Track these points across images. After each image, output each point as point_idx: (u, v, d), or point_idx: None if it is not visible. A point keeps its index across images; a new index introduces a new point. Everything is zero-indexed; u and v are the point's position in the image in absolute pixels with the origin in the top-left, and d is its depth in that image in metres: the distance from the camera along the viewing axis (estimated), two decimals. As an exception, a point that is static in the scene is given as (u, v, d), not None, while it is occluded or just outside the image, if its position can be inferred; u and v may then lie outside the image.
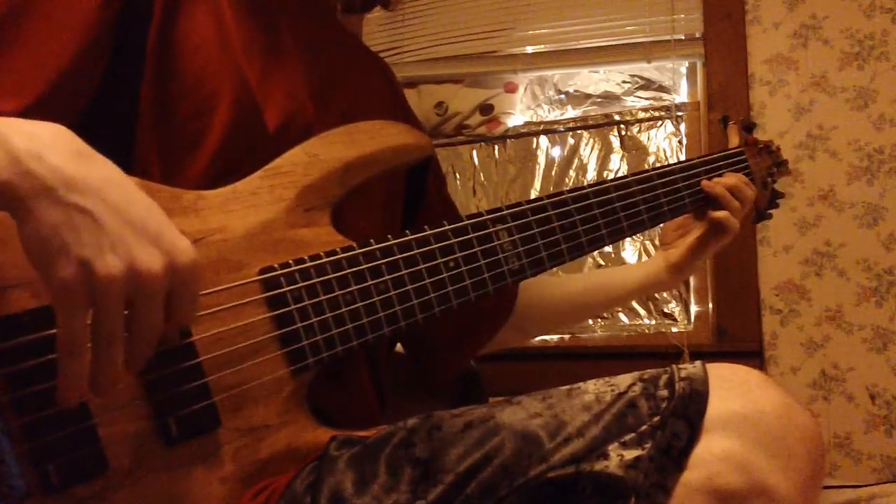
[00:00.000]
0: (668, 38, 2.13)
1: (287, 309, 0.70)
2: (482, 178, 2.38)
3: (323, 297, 0.72)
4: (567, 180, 2.32)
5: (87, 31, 0.71)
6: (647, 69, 2.26)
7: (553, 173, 2.33)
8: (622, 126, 2.30)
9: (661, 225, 1.14)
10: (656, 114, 2.26)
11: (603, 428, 0.61)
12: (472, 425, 0.64)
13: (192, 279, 0.55)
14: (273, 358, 0.69)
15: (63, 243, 0.50)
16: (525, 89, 2.37)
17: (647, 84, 2.29)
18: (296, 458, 0.69)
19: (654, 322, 2.15)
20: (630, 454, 0.60)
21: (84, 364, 0.51)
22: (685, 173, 1.03)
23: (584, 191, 0.92)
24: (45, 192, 0.50)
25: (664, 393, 0.63)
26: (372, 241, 0.76)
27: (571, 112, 2.34)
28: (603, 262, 2.25)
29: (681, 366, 0.65)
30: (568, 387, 0.67)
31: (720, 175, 1.07)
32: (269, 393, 0.69)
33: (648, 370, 0.66)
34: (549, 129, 2.34)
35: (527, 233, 0.86)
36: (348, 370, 0.82)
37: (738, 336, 1.95)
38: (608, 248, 2.23)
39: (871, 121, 1.93)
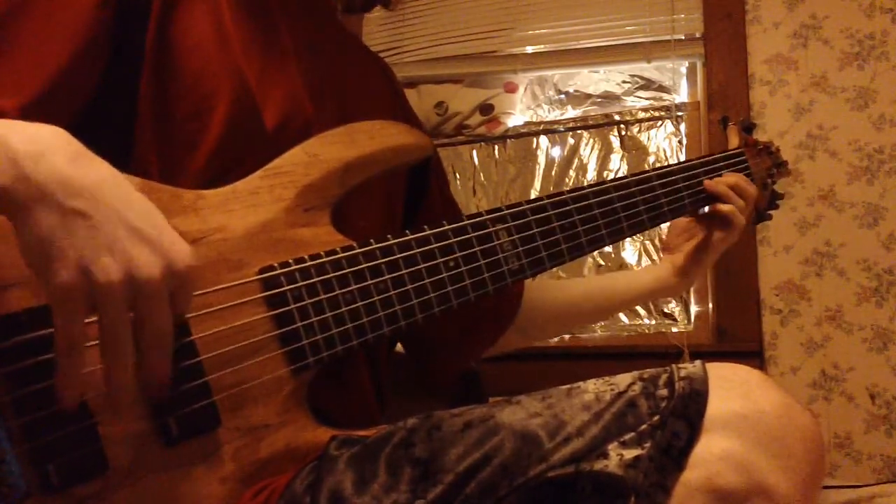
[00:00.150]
0: (668, 38, 2.13)
1: (287, 308, 0.70)
2: (482, 178, 2.38)
3: (323, 297, 0.72)
4: (567, 180, 2.32)
5: (86, 29, 0.71)
6: (647, 69, 2.26)
7: (553, 173, 2.33)
8: (622, 126, 2.30)
9: (666, 229, 1.14)
10: (656, 114, 2.26)
11: (602, 427, 0.61)
12: (472, 425, 0.64)
13: (190, 282, 0.55)
14: (273, 357, 0.69)
15: (61, 247, 0.50)
16: (525, 89, 2.37)
17: (647, 84, 2.29)
18: (295, 458, 0.69)
19: (654, 322, 2.15)
20: (630, 454, 0.60)
21: (82, 366, 0.51)
22: (685, 174, 1.03)
23: (584, 191, 0.92)
24: (42, 195, 0.50)
25: (664, 392, 0.63)
26: (372, 240, 0.76)
27: (571, 112, 2.34)
28: (603, 263, 2.25)
29: (681, 365, 0.65)
30: (568, 386, 0.67)
31: (720, 176, 1.07)
32: (268, 392, 0.69)
33: (648, 370, 0.66)
34: (549, 129, 2.34)
35: (526, 233, 0.86)
36: (348, 370, 0.82)
37: (738, 336, 1.95)
38: (608, 249, 2.23)
39: (871, 121, 1.93)
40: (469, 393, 1.09)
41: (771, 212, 1.19)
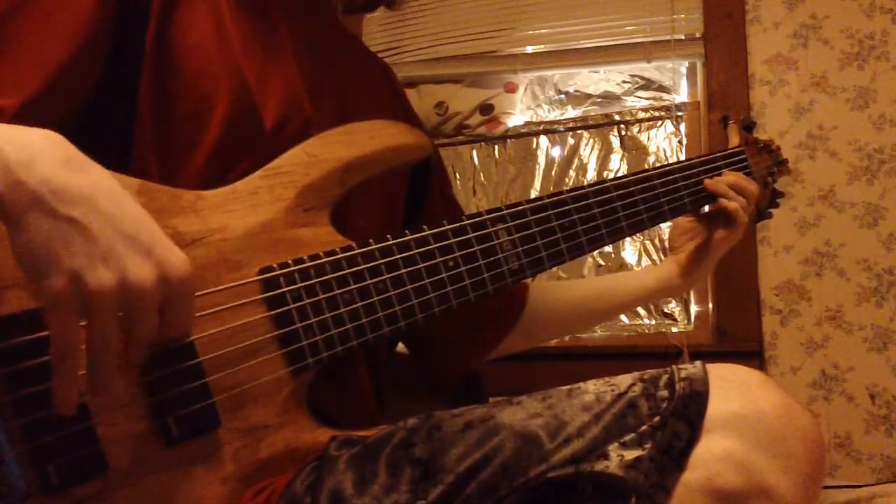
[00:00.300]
0: (668, 38, 2.13)
1: (286, 308, 0.70)
2: (482, 178, 2.38)
3: (322, 297, 0.72)
4: (567, 180, 2.32)
5: (86, 28, 0.71)
6: (647, 69, 2.26)
7: (553, 173, 2.33)
8: (622, 126, 2.30)
9: (669, 231, 1.14)
10: (656, 114, 2.26)
11: (603, 428, 0.61)
12: (472, 425, 0.64)
13: (186, 291, 0.55)
14: (273, 358, 0.69)
15: (54, 255, 0.50)
16: (525, 89, 2.37)
17: (647, 84, 2.29)
18: (295, 459, 0.69)
19: (654, 322, 2.15)
20: (630, 454, 0.60)
21: (77, 369, 0.51)
22: (685, 173, 1.03)
23: (584, 190, 0.92)
24: (35, 203, 0.50)
25: (664, 393, 0.63)
26: (371, 240, 0.76)
27: (571, 112, 2.34)
28: (602, 263, 2.25)
29: (681, 366, 0.65)
30: (568, 387, 0.67)
31: (720, 175, 1.07)
32: (268, 393, 0.69)
33: (648, 370, 0.66)
34: (549, 129, 2.34)
35: (526, 232, 0.86)
36: (348, 370, 0.82)
37: (738, 336, 1.95)
38: (608, 249, 2.23)
39: (871, 121, 1.93)
40: (469, 393, 1.09)
41: (771, 210, 1.19)
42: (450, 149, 2.38)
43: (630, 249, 2.24)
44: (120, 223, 0.52)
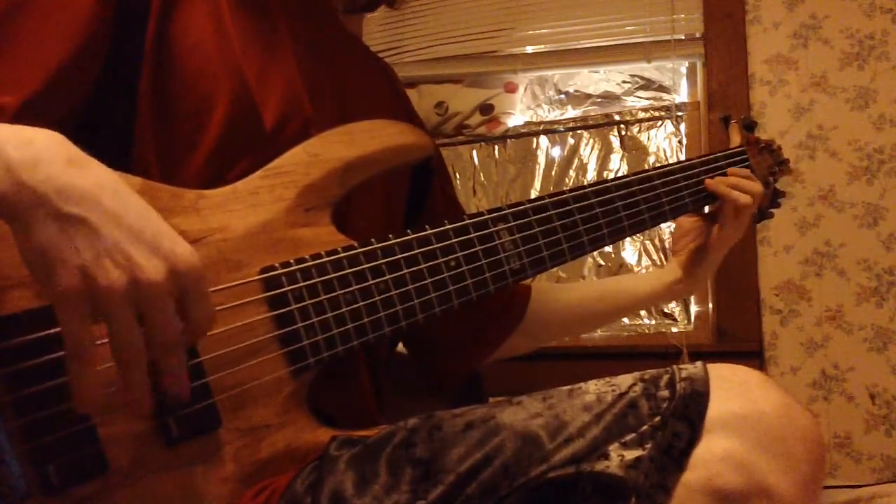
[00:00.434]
0: (668, 38, 2.13)
1: (288, 308, 0.70)
2: (482, 178, 2.38)
3: (324, 297, 0.72)
4: (567, 180, 2.32)
5: (85, 27, 0.71)
6: (647, 69, 2.26)
7: (553, 173, 2.33)
8: (622, 126, 2.30)
9: (672, 233, 1.14)
10: (656, 114, 2.26)
11: (604, 428, 0.61)
12: (473, 425, 0.64)
13: (197, 282, 0.54)
14: (273, 358, 0.69)
15: (61, 254, 0.49)
16: (525, 89, 2.37)
17: (647, 84, 2.29)
18: (296, 459, 0.69)
19: (654, 322, 2.15)
20: (631, 454, 0.60)
21: (94, 370, 0.51)
22: (686, 172, 1.03)
23: (586, 190, 0.92)
24: (39, 203, 0.50)
25: (665, 393, 0.63)
26: (373, 240, 0.76)
27: (571, 112, 2.34)
28: (603, 263, 2.25)
29: (681, 366, 0.65)
30: (569, 387, 0.67)
31: (722, 174, 1.06)
32: (269, 393, 0.69)
33: (649, 370, 0.66)
34: (549, 129, 2.34)
35: (528, 232, 0.86)
36: (348, 370, 0.82)
37: (738, 336, 1.95)
38: (608, 249, 2.23)
39: (871, 121, 1.93)
40: (470, 393, 1.09)
41: (773, 210, 1.19)
42: (450, 149, 2.38)
43: (630, 249, 2.24)
44: (125, 219, 0.52)
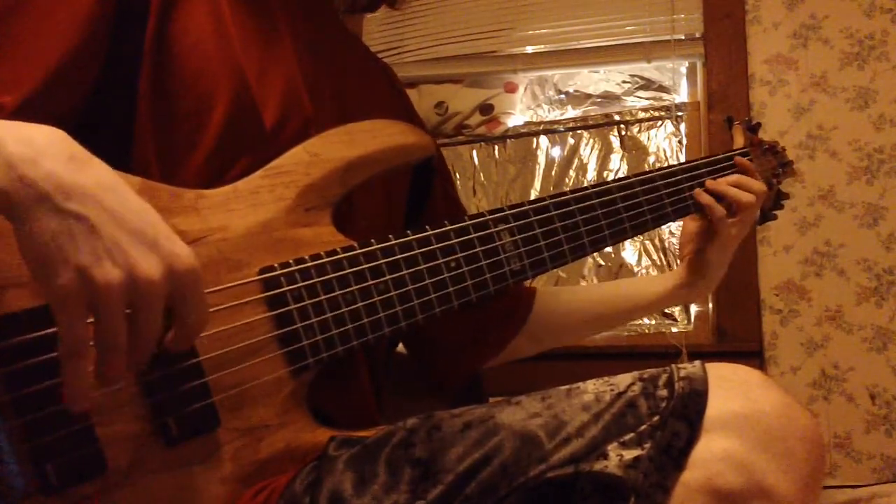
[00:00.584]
0: (668, 38, 2.13)
1: (287, 308, 0.70)
2: (482, 178, 2.38)
3: (323, 297, 0.72)
4: (567, 180, 2.32)
5: (85, 25, 0.71)
6: (647, 69, 2.26)
7: (553, 173, 2.33)
8: (622, 126, 2.30)
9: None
10: (656, 114, 2.26)
11: (602, 428, 0.61)
12: (472, 425, 0.64)
13: (193, 284, 0.55)
14: (273, 358, 0.69)
15: (60, 251, 0.50)
16: (525, 89, 2.37)
17: (647, 84, 2.29)
18: (295, 459, 0.69)
19: (653, 322, 2.15)
20: (629, 454, 0.60)
21: (87, 366, 0.51)
22: (689, 174, 1.03)
23: (587, 191, 0.92)
24: (40, 199, 0.50)
25: (664, 393, 0.63)
26: (373, 240, 0.76)
27: (571, 112, 2.34)
28: (603, 263, 2.25)
29: (680, 366, 0.65)
30: (567, 387, 0.67)
31: (725, 175, 1.06)
32: (268, 393, 0.69)
33: (648, 370, 0.66)
34: (549, 129, 2.34)
35: (529, 233, 0.86)
36: (348, 370, 0.82)
37: (738, 336, 1.95)
38: (608, 249, 2.23)
39: (871, 121, 1.93)
40: (469, 393, 1.09)
41: (776, 212, 1.19)
42: (450, 149, 2.38)
43: (630, 250, 2.24)
44: (124, 218, 0.53)
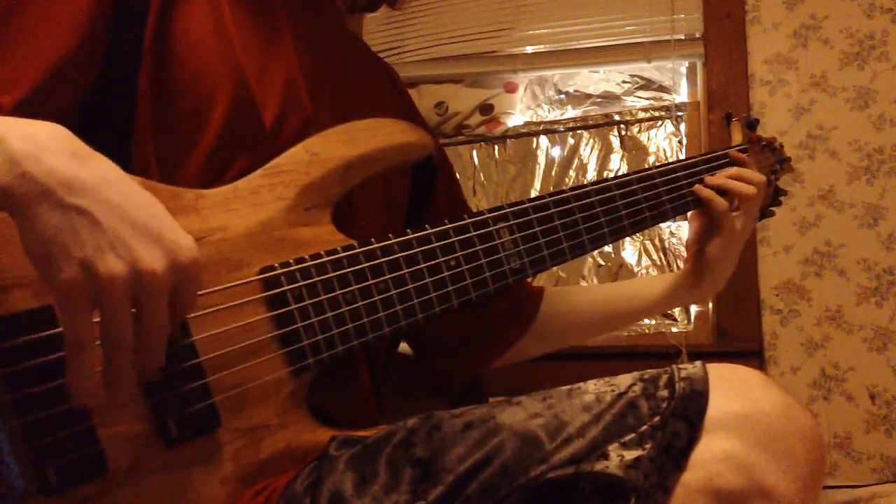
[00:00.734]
0: (668, 38, 2.13)
1: (287, 308, 0.70)
2: (482, 178, 2.38)
3: (323, 297, 0.72)
4: (567, 180, 2.32)
5: (84, 24, 0.71)
6: (647, 69, 2.26)
7: (553, 173, 2.33)
8: (622, 126, 2.30)
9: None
10: (656, 114, 2.26)
11: (603, 428, 0.61)
12: (473, 426, 0.64)
13: (195, 275, 0.55)
14: (273, 358, 0.69)
15: (63, 245, 0.50)
16: (525, 89, 2.37)
17: (647, 84, 2.29)
18: (295, 459, 0.69)
19: (654, 322, 2.15)
20: (630, 454, 0.60)
21: (92, 364, 0.51)
22: (687, 171, 1.02)
23: (586, 189, 0.92)
24: (43, 194, 0.50)
25: (664, 393, 0.63)
26: (373, 239, 0.76)
27: (571, 112, 2.34)
28: (603, 263, 2.25)
29: (681, 366, 0.65)
30: (568, 387, 0.67)
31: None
32: (268, 393, 0.69)
33: (649, 370, 0.66)
34: (549, 129, 2.34)
35: (528, 231, 0.86)
36: (348, 370, 0.82)
37: (738, 336, 1.95)
38: (608, 248, 2.23)
39: (871, 121, 1.93)
40: (469, 393, 1.09)
41: (774, 209, 1.19)
42: (450, 149, 2.38)
43: (630, 249, 2.24)
44: (128, 211, 0.53)
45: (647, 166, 2.08)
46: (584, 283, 2.24)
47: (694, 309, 2.10)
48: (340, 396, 0.81)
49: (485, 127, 2.37)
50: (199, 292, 0.63)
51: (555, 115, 2.35)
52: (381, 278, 0.75)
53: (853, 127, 1.94)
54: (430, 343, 1.05)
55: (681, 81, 2.23)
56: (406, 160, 0.85)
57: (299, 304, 0.70)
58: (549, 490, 0.60)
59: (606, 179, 0.94)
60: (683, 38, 2.14)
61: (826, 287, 1.91)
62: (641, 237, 2.22)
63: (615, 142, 2.30)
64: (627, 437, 0.61)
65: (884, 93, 1.93)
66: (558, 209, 0.89)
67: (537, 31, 2.26)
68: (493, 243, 0.83)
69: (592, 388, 0.65)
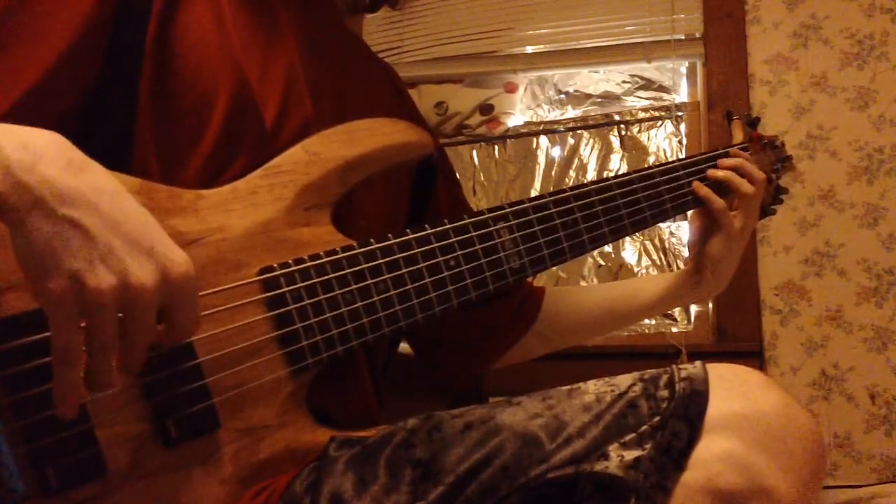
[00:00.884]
0: (668, 38, 2.13)
1: (286, 309, 0.70)
2: (482, 178, 2.38)
3: (322, 297, 0.72)
4: (567, 180, 2.32)
5: (84, 24, 0.70)
6: (647, 69, 2.26)
7: (553, 173, 2.33)
8: (622, 126, 2.30)
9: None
10: (656, 114, 2.26)
11: (603, 428, 0.61)
12: (473, 426, 0.64)
13: (188, 291, 0.55)
14: (272, 359, 0.69)
15: (54, 256, 0.49)
16: (525, 89, 2.37)
17: (647, 84, 2.29)
18: (295, 459, 0.69)
19: (654, 322, 2.15)
20: (630, 454, 0.60)
21: (79, 373, 0.51)
22: (688, 170, 1.02)
23: (586, 188, 0.92)
24: (36, 204, 0.50)
25: (664, 393, 0.63)
26: (372, 240, 0.76)
27: (571, 112, 2.34)
28: (602, 263, 2.25)
29: (681, 366, 0.65)
30: (568, 387, 0.67)
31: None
32: (268, 394, 0.68)
33: (649, 370, 0.66)
34: (549, 129, 2.34)
35: (528, 231, 0.86)
36: (348, 370, 0.82)
37: (738, 336, 1.95)
38: (608, 248, 2.23)
39: (871, 121, 1.93)
40: (469, 393, 1.09)
41: (775, 207, 1.18)
42: (450, 149, 2.38)
43: (630, 250, 2.24)
44: (120, 224, 0.52)
45: (646, 166, 2.08)
46: (584, 283, 2.24)
47: (694, 309, 2.10)
48: (340, 396, 0.80)
49: (485, 127, 2.37)
50: (200, 294, 0.63)
51: (555, 115, 2.35)
52: (381, 278, 0.75)
53: (853, 127, 1.94)
54: (431, 343, 1.05)
55: (681, 81, 2.23)
56: (406, 160, 0.85)
57: (298, 305, 0.70)
58: (549, 490, 0.60)
59: (606, 179, 0.94)
60: (683, 38, 2.14)
61: (826, 287, 1.91)
62: (641, 237, 2.22)
63: (615, 142, 2.30)
64: (627, 438, 0.61)
65: (884, 93, 1.93)
66: (558, 209, 0.89)
67: (537, 31, 2.26)
68: (493, 243, 0.83)
69: (592, 388, 0.65)
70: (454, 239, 0.81)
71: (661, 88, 2.27)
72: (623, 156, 2.29)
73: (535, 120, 2.35)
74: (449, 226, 0.81)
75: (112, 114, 0.73)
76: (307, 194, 0.75)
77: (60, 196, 0.51)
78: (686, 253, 1.08)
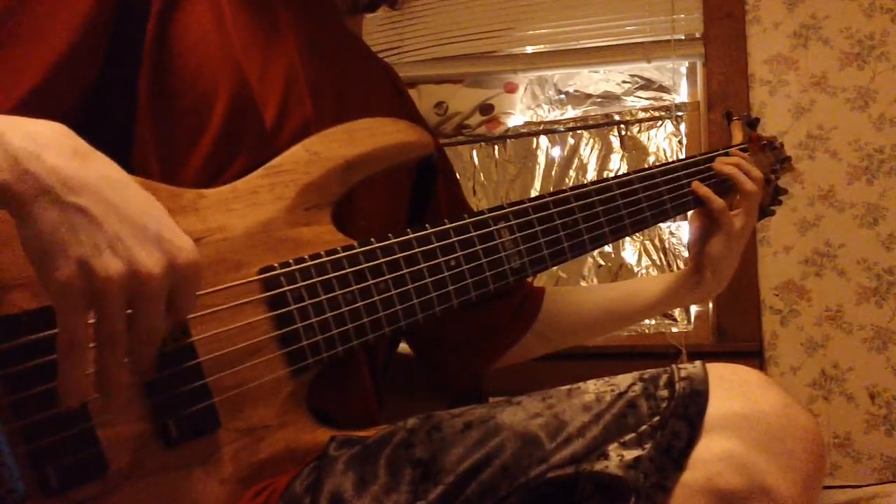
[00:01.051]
0: (668, 38, 2.13)
1: (287, 309, 0.70)
2: (482, 178, 2.38)
3: (323, 297, 0.72)
4: (567, 180, 2.32)
5: (84, 24, 0.71)
6: (647, 69, 2.26)
7: (553, 173, 2.33)
8: (622, 126, 2.30)
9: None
10: (656, 114, 2.26)
11: (603, 428, 0.61)
12: (472, 426, 0.64)
13: (193, 278, 0.55)
14: (273, 358, 0.69)
15: (61, 244, 0.49)
16: (525, 89, 2.37)
17: (647, 84, 2.29)
18: (295, 459, 0.69)
19: (654, 322, 2.15)
20: (630, 454, 0.60)
21: (83, 365, 0.51)
22: (688, 170, 1.02)
23: (587, 188, 0.92)
24: (43, 192, 0.50)
25: (664, 393, 0.63)
26: (373, 239, 0.76)
27: (571, 112, 2.34)
28: (602, 263, 2.25)
29: (681, 366, 0.65)
30: (568, 387, 0.67)
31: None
32: (268, 393, 0.69)
33: (648, 370, 0.66)
34: (549, 129, 2.34)
35: (528, 231, 0.86)
36: (348, 370, 0.82)
37: (738, 336, 1.95)
38: (608, 248, 2.23)
39: (871, 121, 1.93)
40: (469, 393, 1.09)
41: (774, 208, 1.19)
42: (450, 149, 2.38)
43: (630, 250, 2.24)
44: (127, 211, 0.53)
45: (646, 166, 2.08)
46: (584, 283, 2.24)
47: (694, 309, 2.10)
48: (340, 396, 0.81)
49: (485, 127, 2.37)
50: (199, 292, 0.63)
51: (555, 115, 2.35)
52: (381, 278, 0.75)
53: (853, 127, 1.94)
54: (431, 343, 1.05)
55: (681, 81, 2.23)
56: (406, 159, 0.85)
57: (299, 305, 0.70)
58: (549, 490, 0.60)
59: (606, 179, 0.94)
60: (683, 38, 2.14)
61: (826, 287, 1.91)
62: (641, 237, 2.22)
63: (615, 142, 2.30)
64: (627, 437, 0.61)
65: (884, 93, 1.93)
66: (558, 209, 0.89)
67: (537, 31, 2.26)
68: (494, 243, 0.83)
69: (592, 388, 0.65)
70: (455, 239, 0.81)
71: (661, 88, 2.27)
72: (623, 156, 2.29)
73: (535, 120, 2.35)
74: (449, 225, 0.81)
75: (112, 114, 0.73)
76: (308, 194, 0.75)
77: (67, 184, 0.51)
78: (686, 253, 1.08)
